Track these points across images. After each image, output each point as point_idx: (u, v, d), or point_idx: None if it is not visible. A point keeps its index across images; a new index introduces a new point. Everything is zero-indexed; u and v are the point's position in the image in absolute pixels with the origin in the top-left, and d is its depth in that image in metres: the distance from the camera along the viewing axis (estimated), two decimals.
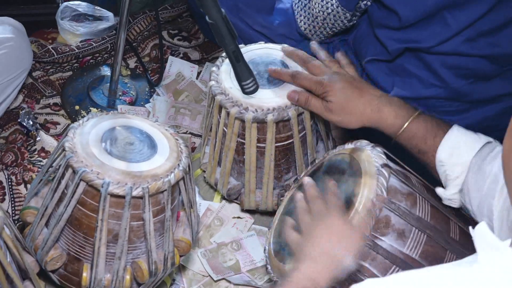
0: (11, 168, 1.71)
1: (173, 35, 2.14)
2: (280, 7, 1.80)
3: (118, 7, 1.76)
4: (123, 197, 1.22)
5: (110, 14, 2.09)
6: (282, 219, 1.37)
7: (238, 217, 1.63)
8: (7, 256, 1.18)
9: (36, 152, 1.75)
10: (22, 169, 1.70)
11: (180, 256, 1.37)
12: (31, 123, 1.79)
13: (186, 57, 2.07)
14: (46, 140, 1.77)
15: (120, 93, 1.92)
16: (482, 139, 1.24)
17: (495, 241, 0.73)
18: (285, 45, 1.55)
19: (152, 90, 1.96)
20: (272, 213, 1.53)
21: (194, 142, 1.83)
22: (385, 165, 1.25)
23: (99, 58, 2.04)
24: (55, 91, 1.92)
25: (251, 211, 1.63)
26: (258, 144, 1.48)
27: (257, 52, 1.54)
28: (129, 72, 2.01)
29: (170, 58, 2.03)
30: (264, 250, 1.40)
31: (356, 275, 1.17)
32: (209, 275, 1.51)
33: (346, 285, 1.13)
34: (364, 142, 1.33)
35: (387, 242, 1.19)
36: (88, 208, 1.25)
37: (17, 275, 1.21)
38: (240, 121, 1.45)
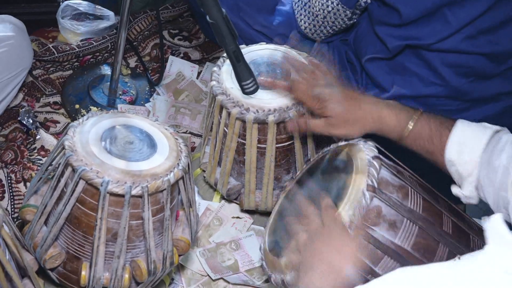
0: (10, 166, 1.71)
1: (173, 35, 2.14)
2: (280, 7, 1.80)
3: (119, 6, 1.76)
4: (123, 196, 1.22)
5: (110, 13, 2.09)
6: (276, 218, 1.38)
7: (237, 217, 1.63)
8: (6, 254, 1.18)
9: (35, 151, 1.75)
10: (21, 167, 1.70)
11: (179, 255, 1.37)
12: (31, 121, 1.79)
13: (186, 57, 2.07)
14: (46, 139, 1.77)
15: (120, 92, 1.92)
16: (487, 130, 1.23)
17: (507, 234, 0.73)
18: (288, 47, 1.56)
19: (152, 89, 1.96)
20: None
21: (194, 142, 1.83)
22: (376, 157, 1.26)
23: (100, 57, 2.04)
24: (55, 90, 1.92)
25: (250, 211, 1.63)
26: (259, 145, 1.48)
27: (259, 53, 1.55)
28: (129, 71, 2.01)
29: (171, 57, 2.03)
30: (260, 248, 1.40)
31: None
32: (208, 275, 1.51)
33: None
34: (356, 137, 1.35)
35: (379, 232, 1.19)
36: (87, 207, 1.25)
37: (16, 273, 1.21)
38: (241, 122, 1.45)
